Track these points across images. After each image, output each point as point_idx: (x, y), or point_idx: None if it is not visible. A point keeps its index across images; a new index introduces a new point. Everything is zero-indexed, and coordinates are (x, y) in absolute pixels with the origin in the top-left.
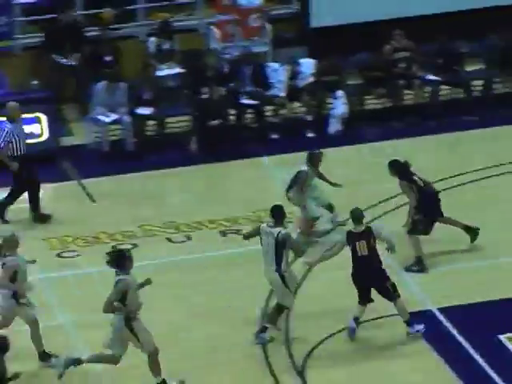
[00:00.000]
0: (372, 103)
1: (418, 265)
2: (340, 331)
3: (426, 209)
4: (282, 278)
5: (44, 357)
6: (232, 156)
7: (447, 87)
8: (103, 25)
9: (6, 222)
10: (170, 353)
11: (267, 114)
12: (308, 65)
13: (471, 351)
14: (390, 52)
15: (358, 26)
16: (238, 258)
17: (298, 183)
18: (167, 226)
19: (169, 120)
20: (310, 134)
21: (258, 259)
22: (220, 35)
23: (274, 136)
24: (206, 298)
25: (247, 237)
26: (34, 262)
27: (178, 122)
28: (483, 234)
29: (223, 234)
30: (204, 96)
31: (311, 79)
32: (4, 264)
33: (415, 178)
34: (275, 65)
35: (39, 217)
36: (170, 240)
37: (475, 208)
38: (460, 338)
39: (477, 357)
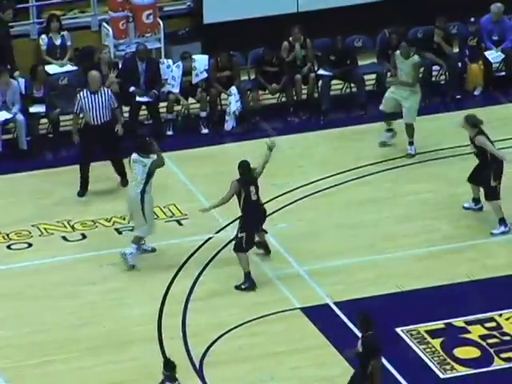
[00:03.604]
0: (267, 98)
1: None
2: (237, 327)
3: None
4: None
5: None
6: (129, 153)
7: (340, 82)
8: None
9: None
10: (71, 350)
11: (162, 110)
12: (202, 61)
13: None
14: (286, 49)
15: (253, 21)
16: None
17: None
18: (62, 225)
19: (62, 118)
20: (205, 131)
21: (150, 257)
22: (113, 32)
23: (169, 133)
24: (100, 297)
25: None
26: None
27: (71, 121)
28: (376, 230)
29: (119, 231)
30: None
31: (205, 75)
32: None
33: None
34: (169, 61)
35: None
36: (65, 238)
37: (372, 202)
38: (358, 332)
39: None
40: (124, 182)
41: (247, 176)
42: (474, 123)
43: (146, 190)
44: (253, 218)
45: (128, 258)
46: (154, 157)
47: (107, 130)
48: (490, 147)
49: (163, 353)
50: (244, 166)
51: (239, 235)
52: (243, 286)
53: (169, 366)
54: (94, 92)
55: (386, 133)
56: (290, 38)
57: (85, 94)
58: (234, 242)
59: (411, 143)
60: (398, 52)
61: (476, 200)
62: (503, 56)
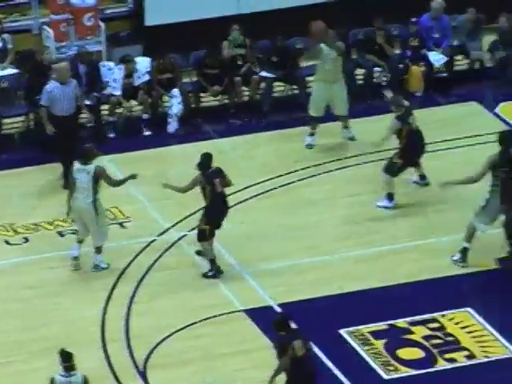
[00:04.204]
0: (208, 100)
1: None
2: (180, 329)
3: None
4: None
5: None
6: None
7: (282, 84)
8: None
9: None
10: (17, 354)
11: (104, 113)
12: (144, 63)
13: (313, 346)
14: (226, 48)
15: (194, 23)
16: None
17: None
18: (4, 228)
19: (4, 121)
20: (147, 133)
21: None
22: (54, 35)
23: (111, 135)
24: (43, 301)
25: None
26: None
27: (14, 123)
28: (318, 231)
29: (61, 234)
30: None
31: (147, 77)
32: None
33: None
34: (110, 64)
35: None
36: (7, 242)
37: (312, 204)
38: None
39: (318, 351)
40: (66, 184)
41: (210, 168)
42: (396, 104)
43: (96, 198)
44: (217, 210)
45: (101, 266)
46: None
47: (72, 123)
48: (386, 134)
49: (107, 355)
50: (206, 158)
51: (203, 227)
52: (209, 274)
53: (65, 357)
54: (63, 83)
55: (309, 137)
56: (230, 38)
57: (53, 86)
58: (196, 233)
59: (348, 127)
60: (321, 44)
61: (422, 176)
62: (446, 59)
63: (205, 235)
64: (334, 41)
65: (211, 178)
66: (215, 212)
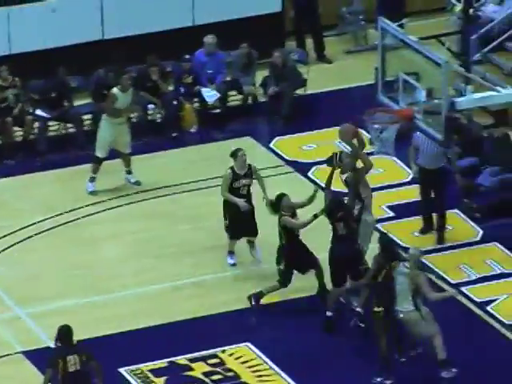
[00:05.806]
0: None
1: None
2: None
3: None
4: None
5: None
6: None
7: (57, 122)
8: None
9: None
10: None
11: None
12: None
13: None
14: None
15: None
16: None
17: None
18: None
19: None
20: None
21: None
22: None
23: None
24: None
25: None
26: None
27: None
28: (98, 270)
29: None
30: None
31: None
32: None
33: None
34: None
35: None
36: None
37: (95, 242)
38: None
39: None
40: None
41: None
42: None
43: None
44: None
45: None
46: None
47: None
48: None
49: None
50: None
51: None
52: None
53: None
54: None
55: (91, 183)
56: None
57: None
58: None
59: (130, 172)
60: (114, 90)
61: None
62: (219, 95)
63: None
64: (128, 85)
65: None
66: None
